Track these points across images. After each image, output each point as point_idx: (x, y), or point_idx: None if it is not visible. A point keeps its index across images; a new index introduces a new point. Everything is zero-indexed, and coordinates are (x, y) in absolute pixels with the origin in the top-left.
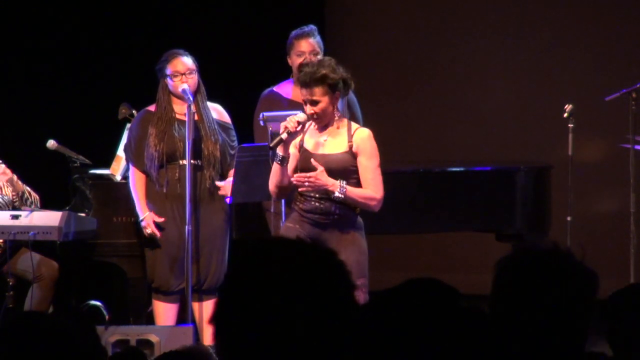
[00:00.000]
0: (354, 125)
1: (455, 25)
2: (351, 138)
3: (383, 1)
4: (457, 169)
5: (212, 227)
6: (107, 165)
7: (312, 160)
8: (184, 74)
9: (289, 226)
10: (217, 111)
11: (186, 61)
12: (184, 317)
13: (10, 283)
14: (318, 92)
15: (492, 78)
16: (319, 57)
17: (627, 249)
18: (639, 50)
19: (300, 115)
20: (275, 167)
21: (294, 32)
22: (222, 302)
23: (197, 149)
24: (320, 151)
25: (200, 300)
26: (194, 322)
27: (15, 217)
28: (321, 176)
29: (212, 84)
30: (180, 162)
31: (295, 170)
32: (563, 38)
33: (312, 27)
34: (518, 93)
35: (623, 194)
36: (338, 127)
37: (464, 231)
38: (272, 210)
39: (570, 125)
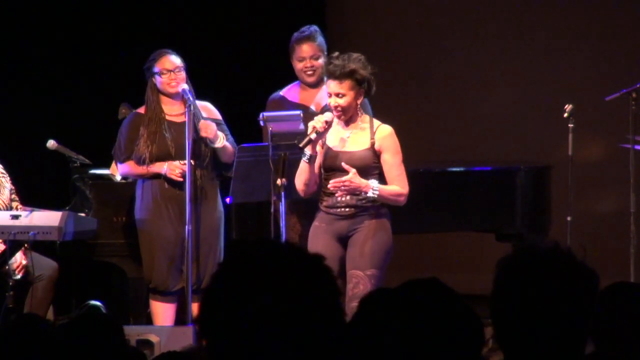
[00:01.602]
0: (376, 122)
1: (455, 25)
2: (373, 135)
3: (383, 1)
4: (457, 169)
5: (208, 226)
6: (107, 165)
7: (343, 163)
8: (172, 70)
9: (315, 225)
10: (206, 109)
11: (174, 59)
12: (184, 317)
13: (10, 283)
14: (345, 86)
15: (492, 78)
16: (321, 60)
17: (627, 249)
18: (639, 50)
19: (327, 115)
20: (303, 166)
21: (295, 35)
22: (207, 304)
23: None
24: (344, 148)
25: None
26: (193, 322)
27: (15, 217)
28: (354, 179)
29: (211, 85)
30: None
31: (320, 168)
32: (563, 38)
33: (313, 28)
34: (518, 93)
35: (623, 194)
36: (361, 124)
37: (464, 231)
38: (271, 210)
39: (570, 125)
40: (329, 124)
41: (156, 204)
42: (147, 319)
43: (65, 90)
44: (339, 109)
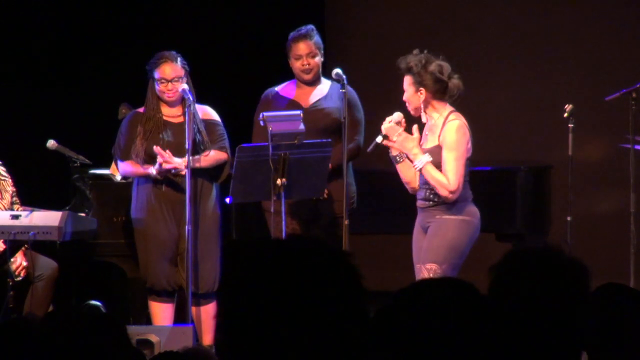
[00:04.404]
0: (452, 116)
1: (455, 25)
2: (441, 131)
3: (383, 1)
4: None
5: (205, 228)
6: (107, 165)
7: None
8: (170, 80)
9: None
10: (203, 111)
11: (174, 68)
12: (184, 317)
13: (10, 283)
14: (405, 81)
15: (492, 78)
16: (317, 58)
17: (627, 249)
18: (639, 50)
19: (395, 115)
20: (397, 167)
21: (291, 35)
22: (226, 302)
23: (181, 150)
24: (423, 145)
25: (198, 304)
26: (192, 322)
27: (15, 217)
28: (407, 142)
29: (210, 85)
30: None
31: None
32: (563, 38)
33: (309, 27)
34: (518, 93)
35: (623, 194)
36: (437, 121)
37: None
38: (272, 210)
39: (570, 125)
40: (398, 123)
41: (151, 204)
42: (147, 319)
43: (65, 90)
44: (407, 103)
